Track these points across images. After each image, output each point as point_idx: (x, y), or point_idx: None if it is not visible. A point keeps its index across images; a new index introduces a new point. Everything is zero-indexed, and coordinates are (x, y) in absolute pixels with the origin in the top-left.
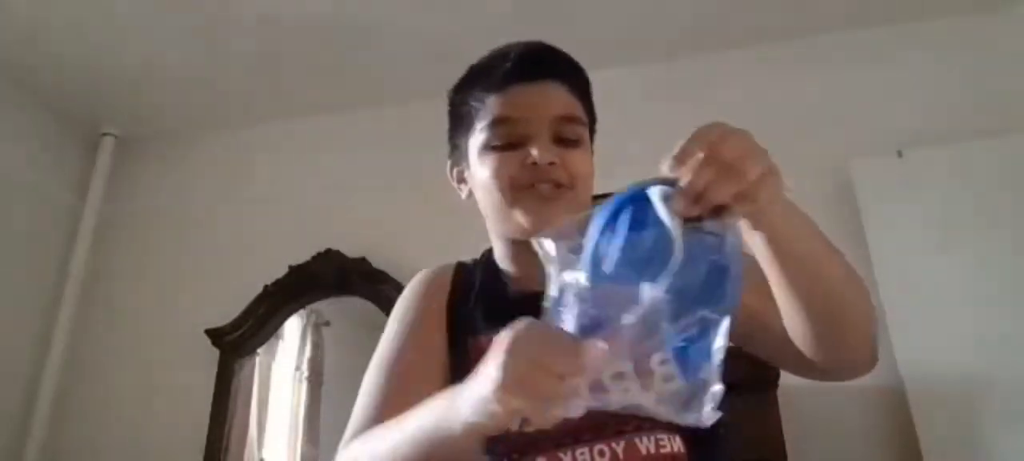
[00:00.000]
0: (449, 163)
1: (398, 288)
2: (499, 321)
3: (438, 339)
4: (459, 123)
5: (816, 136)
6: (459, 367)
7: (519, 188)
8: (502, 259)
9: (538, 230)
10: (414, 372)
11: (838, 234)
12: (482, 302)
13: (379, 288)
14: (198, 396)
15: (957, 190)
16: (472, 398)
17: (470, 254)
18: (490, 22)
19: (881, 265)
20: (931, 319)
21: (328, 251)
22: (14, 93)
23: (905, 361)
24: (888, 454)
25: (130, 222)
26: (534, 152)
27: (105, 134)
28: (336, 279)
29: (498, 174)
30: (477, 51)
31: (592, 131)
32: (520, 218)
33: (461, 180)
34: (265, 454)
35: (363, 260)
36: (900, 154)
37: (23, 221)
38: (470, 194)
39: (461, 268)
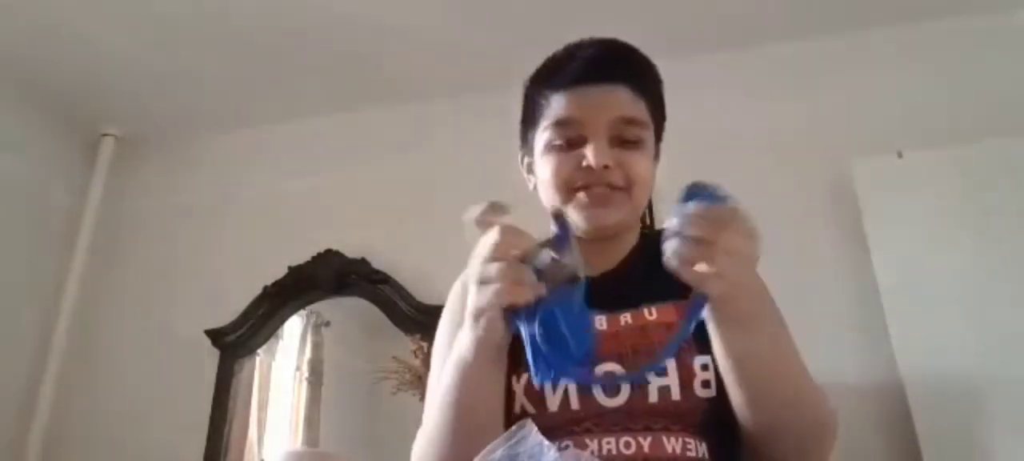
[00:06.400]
0: (520, 154)
1: (398, 289)
2: None
3: None
4: (529, 116)
5: (816, 136)
6: (511, 354)
7: (573, 189)
8: None
9: (591, 229)
10: None
11: (838, 234)
12: None
13: (379, 288)
14: (198, 396)
15: (957, 190)
16: (467, 318)
17: (468, 255)
18: (492, 23)
19: (881, 265)
20: (931, 319)
21: (328, 251)
22: (14, 94)
23: (905, 361)
24: (888, 454)
25: (130, 222)
26: (589, 154)
27: (105, 134)
28: (336, 279)
29: (555, 174)
30: (477, 53)
31: (660, 130)
32: (573, 217)
33: (530, 171)
34: (265, 454)
35: (363, 260)
36: (900, 154)
37: (23, 221)
38: (536, 187)
39: None
